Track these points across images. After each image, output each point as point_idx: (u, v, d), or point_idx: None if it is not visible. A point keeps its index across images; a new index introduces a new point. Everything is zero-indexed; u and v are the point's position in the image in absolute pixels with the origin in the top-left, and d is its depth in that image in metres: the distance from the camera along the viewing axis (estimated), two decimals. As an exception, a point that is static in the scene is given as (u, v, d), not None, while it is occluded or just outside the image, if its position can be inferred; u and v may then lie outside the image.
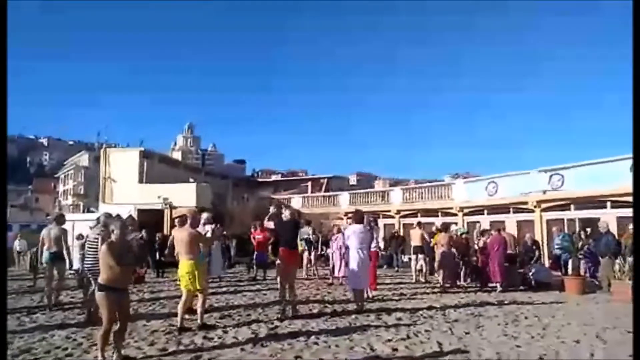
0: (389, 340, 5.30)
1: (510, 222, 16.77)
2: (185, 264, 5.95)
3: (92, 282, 6.35)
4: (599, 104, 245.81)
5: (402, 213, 21.43)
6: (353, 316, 6.80)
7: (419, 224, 13.14)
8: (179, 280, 6.28)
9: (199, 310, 6.12)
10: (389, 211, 21.90)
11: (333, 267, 11.30)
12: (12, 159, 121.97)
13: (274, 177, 66.22)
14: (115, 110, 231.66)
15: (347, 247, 7.99)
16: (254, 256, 12.41)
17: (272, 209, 8.13)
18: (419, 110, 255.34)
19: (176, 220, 12.17)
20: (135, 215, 15.89)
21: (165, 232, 16.28)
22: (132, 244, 10.24)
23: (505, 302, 8.38)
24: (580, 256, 10.62)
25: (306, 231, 13.73)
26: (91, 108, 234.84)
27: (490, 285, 10.47)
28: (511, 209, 17.36)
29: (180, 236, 6.17)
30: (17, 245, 16.63)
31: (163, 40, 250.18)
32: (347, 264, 8.29)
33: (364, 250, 7.46)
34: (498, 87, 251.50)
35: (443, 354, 4.78)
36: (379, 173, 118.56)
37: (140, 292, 9.53)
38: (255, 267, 12.43)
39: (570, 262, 10.61)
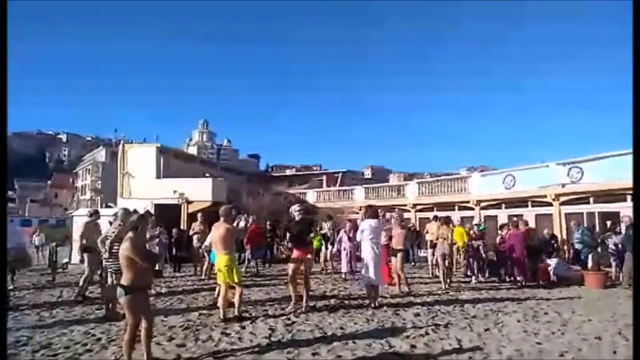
0: (407, 337, 5.25)
1: (529, 215, 16.48)
2: (223, 259, 6.22)
3: (114, 278, 6.46)
4: (619, 98, 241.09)
5: (418, 207, 21.26)
6: (370, 312, 6.76)
7: (436, 217, 12.99)
8: (217, 274, 6.49)
9: (235, 303, 6.31)
10: (405, 205, 21.74)
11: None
12: (31, 155, 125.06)
13: (288, 172, 66.21)
14: (132, 107, 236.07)
15: (359, 243, 7.93)
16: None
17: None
18: (427, 109, 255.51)
19: (199, 215, 12.45)
20: (152, 210, 16.10)
21: (182, 227, 16.44)
22: (153, 241, 10.40)
23: (525, 297, 8.23)
24: (607, 252, 10.43)
25: (325, 226, 13.80)
26: (109, 105, 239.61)
27: (509, 280, 10.33)
28: (529, 203, 17.05)
29: (217, 231, 6.35)
30: (36, 240, 17.00)
31: (177, 41, 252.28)
32: (360, 260, 8.23)
33: (378, 246, 7.39)
34: (509, 87, 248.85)
35: (462, 351, 4.71)
36: (393, 167, 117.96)
37: (157, 286, 9.63)
38: (258, 262, 12.61)
39: (590, 256, 10.39)
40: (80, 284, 8.07)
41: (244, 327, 5.78)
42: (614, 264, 10.58)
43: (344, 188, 27.27)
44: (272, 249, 15.15)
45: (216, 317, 6.37)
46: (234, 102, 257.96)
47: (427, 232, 12.34)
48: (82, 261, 8.59)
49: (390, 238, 9.12)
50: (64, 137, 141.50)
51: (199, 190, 18.96)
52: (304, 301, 6.99)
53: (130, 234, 4.34)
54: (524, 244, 9.97)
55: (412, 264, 14.90)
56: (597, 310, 7.01)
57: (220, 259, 6.30)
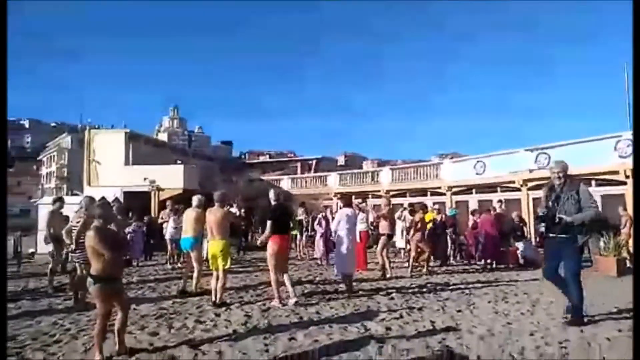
0: (382, 320, 5.30)
1: (497, 200, 16.92)
2: (219, 244, 6.22)
3: (79, 268, 6.27)
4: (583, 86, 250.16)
5: (391, 193, 21.50)
6: (345, 296, 6.81)
7: (411, 205, 13.16)
8: (210, 260, 6.45)
9: (219, 289, 6.26)
10: (378, 191, 21.94)
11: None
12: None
13: (261, 159, 65.65)
14: (99, 92, 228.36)
15: (335, 231, 7.94)
16: None
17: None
18: (401, 98, 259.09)
19: (167, 203, 12.22)
20: (121, 198, 15.66)
21: (153, 215, 16.08)
22: (127, 229, 10.16)
23: (495, 279, 8.50)
24: None
25: (299, 213, 13.80)
26: (74, 89, 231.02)
27: (479, 263, 10.61)
28: (499, 188, 17.52)
29: (213, 216, 6.30)
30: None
31: (147, 21, 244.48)
32: (334, 248, 8.25)
33: (352, 235, 7.45)
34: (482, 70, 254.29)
35: (436, 332, 4.79)
36: (367, 154, 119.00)
37: (128, 275, 9.40)
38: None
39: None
40: (48, 275, 7.80)
41: (218, 315, 5.71)
42: None
43: (318, 175, 27.27)
44: (246, 236, 15.02)
45: (190, 305, 6.29)
46: (208, 89, 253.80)
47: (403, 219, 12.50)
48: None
49: (379, 223, 9.19)
50: (26, 123, 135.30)
51: (170, 178, 18.57)
52: (292, 291, 6.38)
53: (95, 222, 4.16)
54: (495, 228, 10.24)
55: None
56: (563, 290, 7.25)
57: (215, 244, 6.27)
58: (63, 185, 61.61)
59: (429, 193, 20.01)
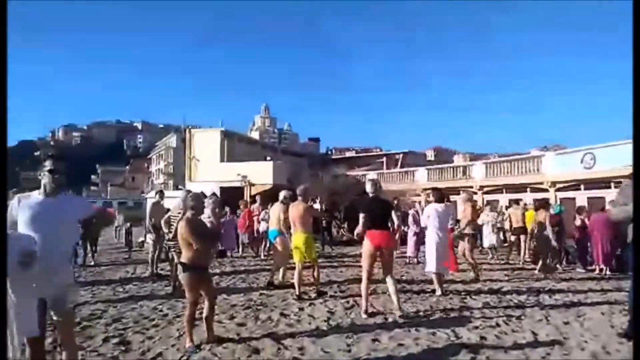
0: (476, 328, 4.86)
1: (611, 197, 14.97)
2: (302, 237, 6.51)
3: (176, 257, 6.69)
4: None
5: (485, 189, 20.18)
6: (434, 299, 6.43)
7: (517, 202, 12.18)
8: (293, 252, 6.75)
9: (316, 279, 6.70)
10: (471, 187, 20.70)
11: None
12: (111, 143, 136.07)
13: (348, 154, 65.80)
14: (197, 95, 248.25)
15: (424, 227, 7.56)
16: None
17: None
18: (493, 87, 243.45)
19: (257, 198, 12.82)
20: (218, 193, 16.67)
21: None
22: (222, 220, 10.78)
23: (609, 289, 7.43)
24: None
25: None
26: (177, 94, 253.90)
27: (590, 268, 9.43)
28: (612, 184, 15.47)
29: (295, 210, 6.59)
30: (116, 220, 18.39)
31: (241, 29, 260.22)
32: (424, 245, 7.88)
33: (443, 231, 6.99)
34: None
35: (539, 345, 4.27)
36: (457, 148, 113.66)
37: (222, 265, 9.94)
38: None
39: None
40: (149, 262, 8.53)
41: (302, 309, 5.72)
42: None
43: (405, 170, 26.55)
44: (329, 230, 15.08)
45: (276, 298, 6.41)
46: (294, 87, 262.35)
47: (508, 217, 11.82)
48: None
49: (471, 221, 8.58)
50: (139, 125, 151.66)
51: (261, 173, 19.40)
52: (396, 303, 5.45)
53: (187, 214, 4.37)
54: (610, 229, 8.97)
55: (480, 248, 14.15)
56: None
57: (298, 237, 6.54)
58: (169, 181, 67.49)
59: (528, 189, 18.39)
